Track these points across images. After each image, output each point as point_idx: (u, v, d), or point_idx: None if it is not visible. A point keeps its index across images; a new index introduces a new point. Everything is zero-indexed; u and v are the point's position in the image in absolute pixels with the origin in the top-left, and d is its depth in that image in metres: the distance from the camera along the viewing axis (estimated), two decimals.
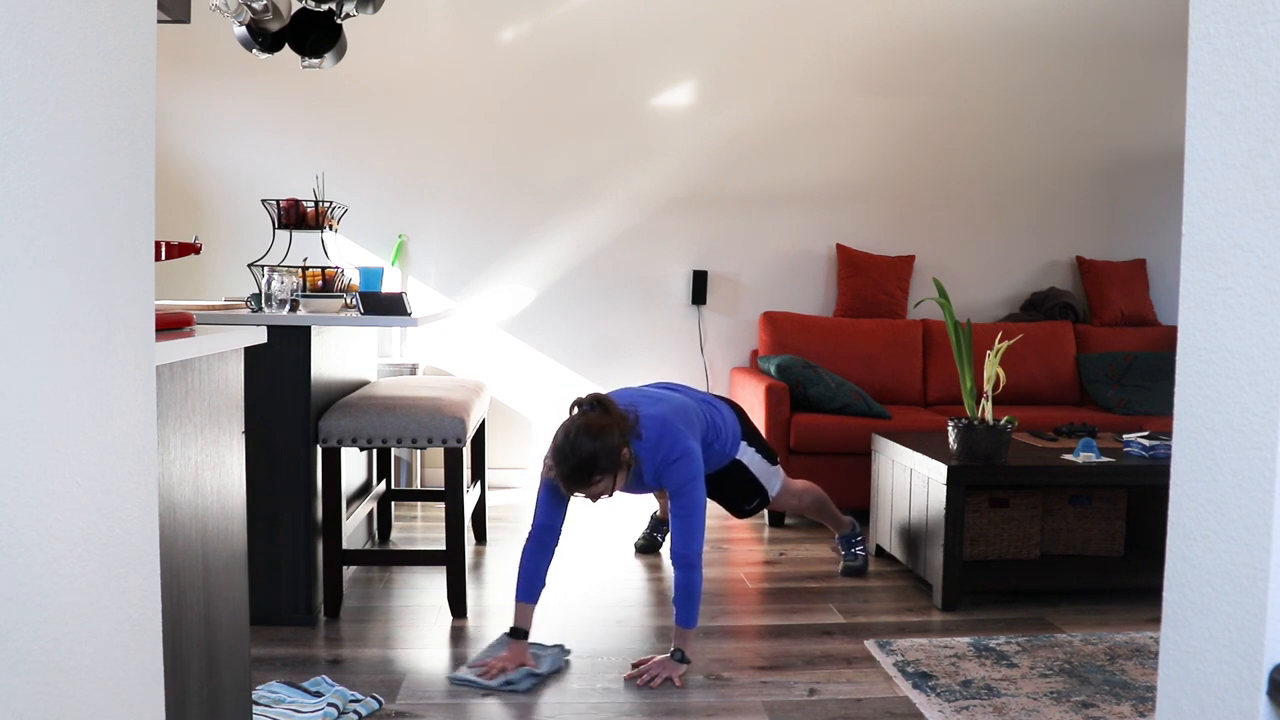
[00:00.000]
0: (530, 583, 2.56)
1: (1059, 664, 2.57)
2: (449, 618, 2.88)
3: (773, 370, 4.16)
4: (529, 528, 2.61)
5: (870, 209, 4.81)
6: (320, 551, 2.83)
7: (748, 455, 3.05)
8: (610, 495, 2.54)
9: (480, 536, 3.72)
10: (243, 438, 1.77)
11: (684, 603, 2.49)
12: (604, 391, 2.68)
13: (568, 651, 2.62)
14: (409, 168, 4.59)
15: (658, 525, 3.65)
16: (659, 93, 4.67)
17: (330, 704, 2.20)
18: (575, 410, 2.54)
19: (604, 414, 2.50)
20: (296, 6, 3.21)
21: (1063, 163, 4.89)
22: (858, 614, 2.99)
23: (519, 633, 2.53)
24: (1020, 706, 2.30)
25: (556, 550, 2.60)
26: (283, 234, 3.19)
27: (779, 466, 3.17)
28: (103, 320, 1.04)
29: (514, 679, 2.41)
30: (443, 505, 3.36)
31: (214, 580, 1.61)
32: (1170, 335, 4.64)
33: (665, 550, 3.63)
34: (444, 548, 2.88)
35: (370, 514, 3.57)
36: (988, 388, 3.07)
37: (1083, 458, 3.11)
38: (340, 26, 3.27)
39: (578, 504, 3.29)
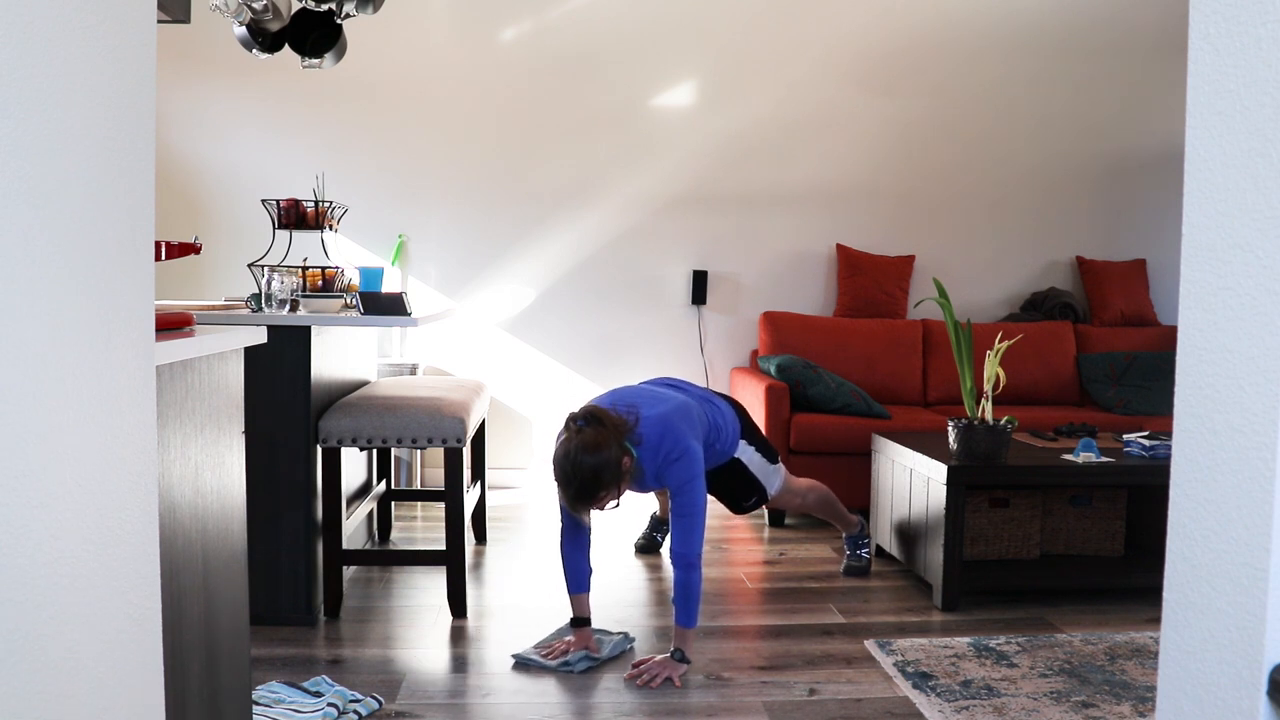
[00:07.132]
0: (575, 575, 2.65)
1: (1059, 664, 2.57)
2: (449, 618, 2.88)
3: (773, 370, 4.15)
4: (559, 525, 2.69)
5: (870, 209, 4.81)
6: (320, 551, 2.83)
7: (747, 454, 3.05)
8: (617, 504, 2.54)
9: (480, 536, 3.72)
10: (243, 438, 1.77)
11: (683, 603, 2.50)
12: (601, 393, 2.66)
13: (632, 639, 2.71)
14: (409, 168, 4.59)
15: (657, 525, 3.65)
16: (659, 93, 4.67)
17: (330, 704, 2.20)
18: (570, 427, 2.49)
19: (599, 427, 2.45)
20: (296, 6, 3.21)
21: (1063, 163, 4.89)
22: (858, 614, 2.99)
23: (579, 621, 2.63)
24: (1020, 706, 2.30)
25: (591, 538, 2.68)
26: (283, 234, 3.19)
27: (780, 465, 3.16)
28: (103, 320, 1.04)
29: (571, 661, 2.52)
30: (443, 505, 3.36)
31: (214, 580, 1.61)
32: (1170, 335, 4.64)
33: (665, 550, 3.63)
34: (444, 548, 2.88)
35: (370, 514, 3.57)
36: (988, 388, 3.07)
37: (1083, 458, 3.11)
38: (340, 26, 3.27)
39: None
